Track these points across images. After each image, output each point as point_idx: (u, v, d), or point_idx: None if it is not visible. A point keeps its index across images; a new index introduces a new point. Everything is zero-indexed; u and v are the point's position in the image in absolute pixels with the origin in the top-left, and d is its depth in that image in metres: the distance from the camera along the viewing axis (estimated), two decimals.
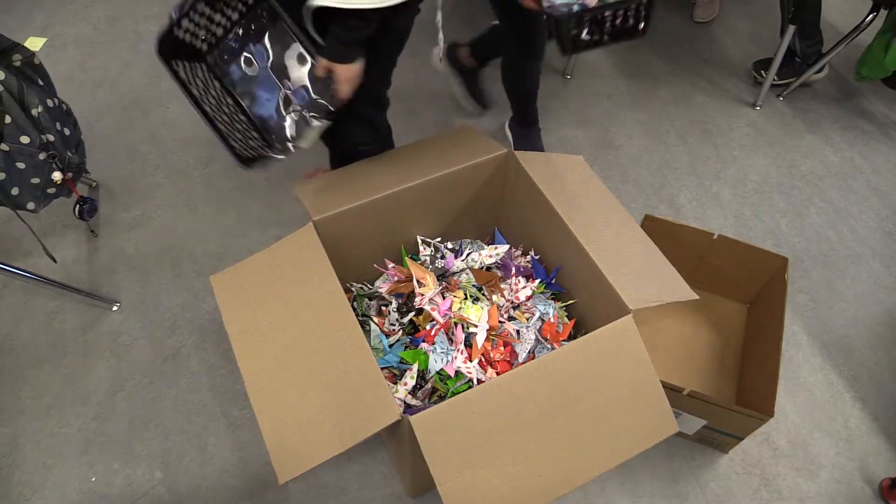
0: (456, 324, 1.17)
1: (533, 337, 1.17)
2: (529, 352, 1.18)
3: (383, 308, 1.28)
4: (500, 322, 1.19)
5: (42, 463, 1.42)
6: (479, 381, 1.12)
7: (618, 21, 1.07)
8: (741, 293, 1.65)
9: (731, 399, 1.51)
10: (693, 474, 1.45)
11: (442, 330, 1.15)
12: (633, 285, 1.08)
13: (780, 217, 1.94)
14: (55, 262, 1.51)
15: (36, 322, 1.64)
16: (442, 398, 1.16)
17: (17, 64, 1.24)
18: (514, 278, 1.27)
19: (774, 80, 2.21)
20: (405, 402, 1.12)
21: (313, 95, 1.09)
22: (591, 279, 1.14)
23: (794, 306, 1.74)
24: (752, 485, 1.44)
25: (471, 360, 1.13)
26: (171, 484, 1.40)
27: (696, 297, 1.10)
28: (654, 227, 1.51)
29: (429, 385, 1.13)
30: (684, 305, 1.64)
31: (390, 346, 1.19)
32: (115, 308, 1.67)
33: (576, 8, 1.03)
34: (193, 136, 2.07)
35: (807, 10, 2.01)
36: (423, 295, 1.19)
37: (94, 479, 1.40)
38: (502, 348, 1.17)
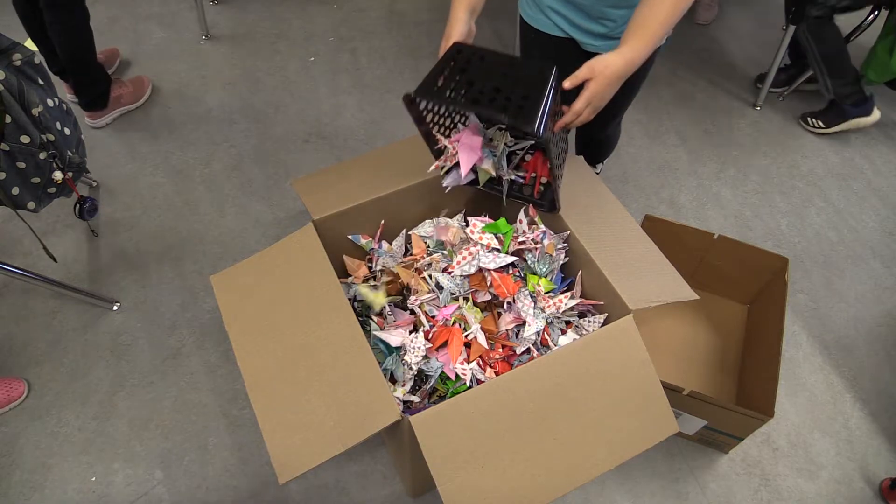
0: (455, 322, 1.17)
1: (535, 331, 1.17)
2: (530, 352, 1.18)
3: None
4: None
5: (42, 463, 1.42)
6: (479, 382, 1.12)
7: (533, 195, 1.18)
8: (741, 293, 1.65)
9: (731, 399, 1.51)
10: (693, 474, 1.45)
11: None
12: (633, 285, 1.08)
13: (781, 217, 1.94)
14: (55, 261, 1.51)
15: (36, 322, 1.64)
16: (442, 398, 1.16)
17: (18, 63, 1.24)
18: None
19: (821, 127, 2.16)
20: (405, 402, 1.12)
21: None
22: (592, 279, 1.14)
23: (794, 306, 1.74)
24: (752, 485, 1.44)
25: (469, 362, 1.13)
26: (171, 484, 1.40)
27: (696, 297, 1.10)
28: (654, 228, 1.51)
29: (429, 385, 1.13)
30: (684, 305, 1.64)
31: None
32: (115, 308, 1.67)
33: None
34: (194, 136, 2.07)
35: (832, 51, 1.96)
36: (416, 298, 1.19)
37: (94, 479, 1.41)
38: (501, 349, 1.17)
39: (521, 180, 1.19)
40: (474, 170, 1.17)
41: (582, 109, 0.99)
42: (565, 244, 1.21)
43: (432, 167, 1.16)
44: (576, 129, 1.62)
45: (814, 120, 2.13)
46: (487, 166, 1.14)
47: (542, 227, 1.22)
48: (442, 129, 1.15)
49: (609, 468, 0.95)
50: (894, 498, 1.41)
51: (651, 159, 2.07)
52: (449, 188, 1.18)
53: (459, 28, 1.04)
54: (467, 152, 1.10)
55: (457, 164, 1.16)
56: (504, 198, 1.20)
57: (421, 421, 0.90)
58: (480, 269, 1.19)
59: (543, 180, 1.18)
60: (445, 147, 1.14)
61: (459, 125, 1.17)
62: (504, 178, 1.17)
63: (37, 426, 1.47)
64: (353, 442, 0.90)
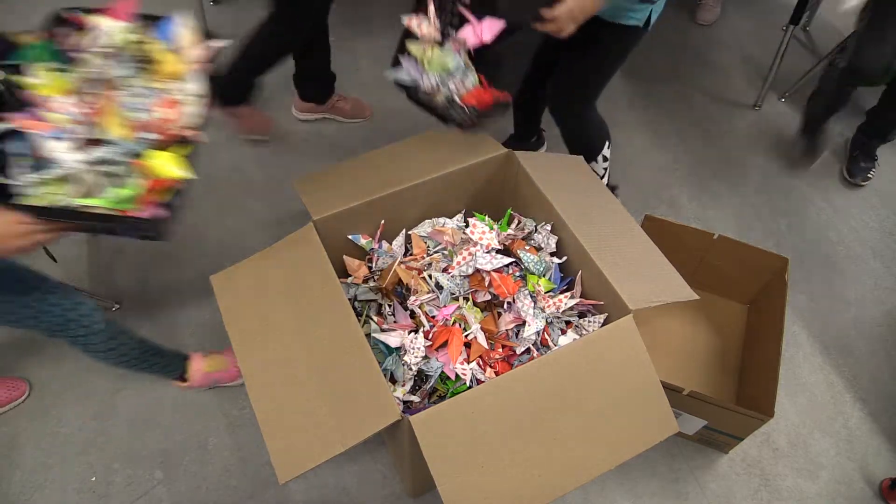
0: (455, 322, 1.17)
1: (535, 331, 1.17)
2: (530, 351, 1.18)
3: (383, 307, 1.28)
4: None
5: (42, 463, 1.42)
6: (479, 382, 1.12)
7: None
8: (741, 293, 1.65)
9: (731, 399, 1.51)
10: (693, 474, 1.45)
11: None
12: (633, 285, 1.08)
13: (781, 217, 1.94)
14: (55, 261, 1.51)
15: None
16: (442, 398, 1.16)
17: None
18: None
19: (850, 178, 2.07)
20: (405, 402, 1.12)
21: None
22: (592, 279, 1.14)
23: (794, 306, 1.74)
24: (752, 485, 1.44)
25: (469, 362, 1.13)
26: (171, 484, 1.40)
27: (696, 297, 1.10)
28: (655, 228, 1.51)
29: (429, 385, 1.13)
30: (684, 305, 1.64)
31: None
32: (115, 308, 1.67)
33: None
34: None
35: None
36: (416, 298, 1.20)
37: (94, 479, 1.40)
38: (501, 349, 1.17)
39: (457, 101, 1.17)
40: (421, 66, 1.17)
41: (563, 12, 1.04)
42: (551, 232, 1.21)
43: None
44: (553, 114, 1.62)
45: (872, 172, 2.02)
46: (448, 57, 1.13)
47: (526, 219, 1.24)
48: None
49: (609, 468, 0.95)
50: (894, 498, 1.41)
51: (651, 159, 2.07)
52: (394, 81, 1.21)
53: None
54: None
55: (406, 59, 1.17)
56: (436, 112, 1.19)
57: (421, 421, 0.90)
58: (478, 270, 1.19)
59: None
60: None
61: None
62: (442, 94, 1.16)
63: (37, 426, 1.47)
64: (353, 442, 0.90)
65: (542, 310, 1.16)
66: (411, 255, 1.28)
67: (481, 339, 1.14)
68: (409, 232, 1.31)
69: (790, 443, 1.51)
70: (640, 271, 1.11)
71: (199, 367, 1.47)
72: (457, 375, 1.12)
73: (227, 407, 1.51)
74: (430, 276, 1.21)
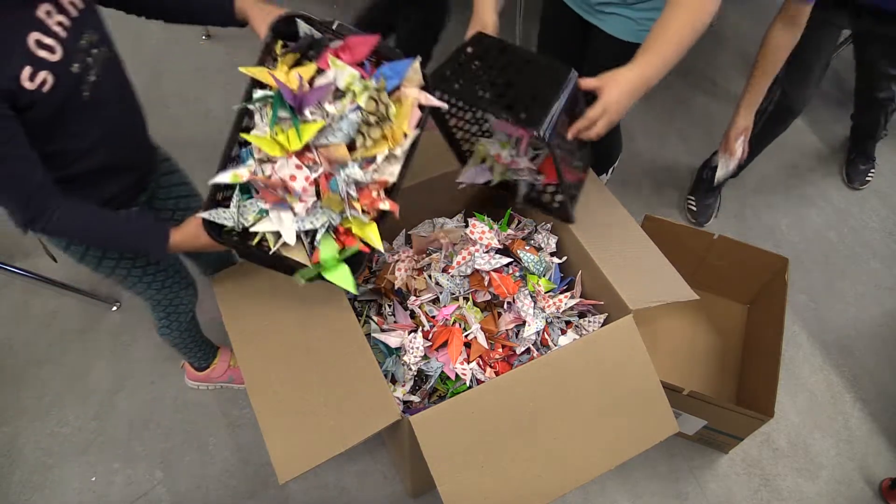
0: (455, 322, 1.17)
1: (535, 331, 1.17)
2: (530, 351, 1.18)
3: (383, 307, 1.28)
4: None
5: (42, 463, 1.42)
6: (479, 382, 1.12)
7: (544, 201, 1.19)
8: (741, 293, 1.65)
9: (731, 399, 1.51)
10: (693, 474, 1.45)
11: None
12: (633, 285, 1.08)
13: (781, 217, 1.94)
14: (55, 261, 1.51)
15: (36, 322, 1.64)
16: (442, 398, 1.16)
17: None
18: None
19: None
20: (405, 402, 1.12)
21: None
22: (592, 279, 1.14)
23: (794, 306, 1.74)
24: (752, 485, 1.44)
25: (469, 362, 1.13)
26: (171, 484, 1.40)
27: (696, 297, 1.10)
28: (655, 228, 1.51)
29: (429, 385, 1.13)
30: (684, 305, 1.63)
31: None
32: (114, 308, 1.67)
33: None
34: (193, 136, 2.06)
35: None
36: (417, 298, 1.19)
37: (94, 479, 1.41)
38: (501, 349, 1.17)
39: (538, 183, 1.17)
40: (490, 168, 1.17)
41: (597, 116, 0.96)
42: (551, 232, 1.22)
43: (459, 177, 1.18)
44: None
45: (871, 174, 2.03)
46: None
47: (526, 219, 1.24)
48: (462, 123, 1.14)
49: (609, 468, 0.95)
50: (894, 498, 1.41)
51: (652, 160, 2.07)
52: (463, 185, 1.18)
53: (489, 16, 1.02)
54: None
55: (473, 168, 1.17)
56: (520, 202, 1.19)
57: (421, 421, 0.90)
58: (478, 270, 1.19)
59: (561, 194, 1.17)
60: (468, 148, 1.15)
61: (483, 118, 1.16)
62: (521, 180, 1.16)
63: (37, 426, 1.47)
64: (353, 442, 0.90)
65: (542, 310, 1.16)
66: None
67: (481, 339, 1.14)
68: (409, 232, 1.31)
69: (790, 443, 1.51)
70: (640, 271, 1.11)
71: (226, 358, 1.51)
72: (457, 375, 1.12)
73: (227, 407, 1.51)
74: (430, 276, 1.21)
